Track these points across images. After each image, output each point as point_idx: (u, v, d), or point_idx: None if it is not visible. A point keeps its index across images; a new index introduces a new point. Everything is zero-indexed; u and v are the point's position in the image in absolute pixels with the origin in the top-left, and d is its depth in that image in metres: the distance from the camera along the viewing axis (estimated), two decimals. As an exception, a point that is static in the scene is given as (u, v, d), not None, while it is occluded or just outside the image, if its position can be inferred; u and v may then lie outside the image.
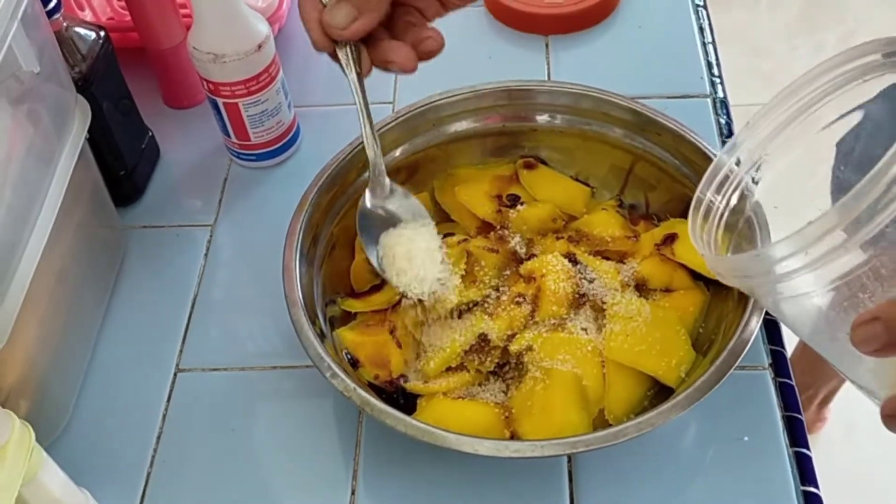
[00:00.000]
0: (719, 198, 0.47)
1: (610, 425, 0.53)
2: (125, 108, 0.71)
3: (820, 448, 1.48)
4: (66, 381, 0.62)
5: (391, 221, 0.60)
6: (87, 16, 0.84)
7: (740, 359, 0.52)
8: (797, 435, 0.57)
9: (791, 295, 0.38)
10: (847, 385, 1.38)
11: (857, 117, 0.43)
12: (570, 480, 0.56)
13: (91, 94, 0.65)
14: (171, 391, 0.62)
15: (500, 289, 0.61)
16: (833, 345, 0.38)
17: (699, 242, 0.46)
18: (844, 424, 1.50)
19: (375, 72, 0.82)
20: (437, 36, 0.51)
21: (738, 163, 0.47)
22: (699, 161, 0.62)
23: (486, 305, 0.60)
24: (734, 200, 0.47)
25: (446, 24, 0.88)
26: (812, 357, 1.30)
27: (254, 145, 0.74)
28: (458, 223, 0.67)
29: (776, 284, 0.37)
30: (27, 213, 0.55)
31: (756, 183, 0.47)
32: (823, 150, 0.46)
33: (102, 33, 0.67)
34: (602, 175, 0.69)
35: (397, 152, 0.67)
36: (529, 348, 0.57)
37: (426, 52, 0.51)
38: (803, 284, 0.36)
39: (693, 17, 0.86)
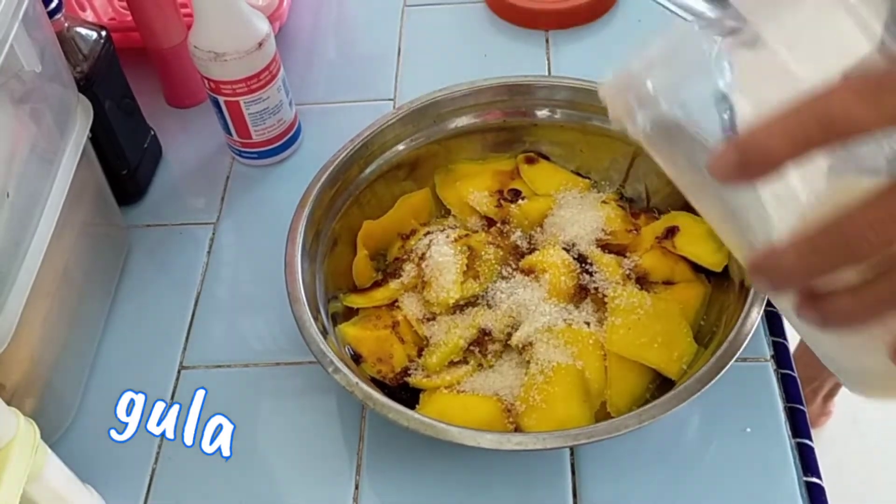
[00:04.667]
0: None
1: (612, 418, 0.53)
2: (127, 108, 0.72)
3: (825, 442, 1.48)
4: (71, 379, 0.62)
5: None
6: (89, 16, 0.84)
7: (741, 350, 0.52)
8: (799, 426, 0.57)
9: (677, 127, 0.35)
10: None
11: None
12: (573, 473, 0.56)
13: (93, 94, 0.65)
14: (175, 388, 0.63)
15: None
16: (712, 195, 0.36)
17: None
18: (850, 418, 1.50)
19: (376, 70, 0.83)
20: None
21: None
22: (699, 154, 0.62)
23: (487, 299, 0.60)
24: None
25: (446, 21, 0.88)
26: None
27: (255, 143, 0.74)
28: (459, 218, 0.67)
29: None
30: (30, 212, 0.56)
31: None
32: None
33: (104, 33, 0.67)
34: (603, 169, 0.69)
35: (398, 148, 0.67)
36: (531, 342, 0.57)
37: None
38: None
39: (693, 10, 0.86)
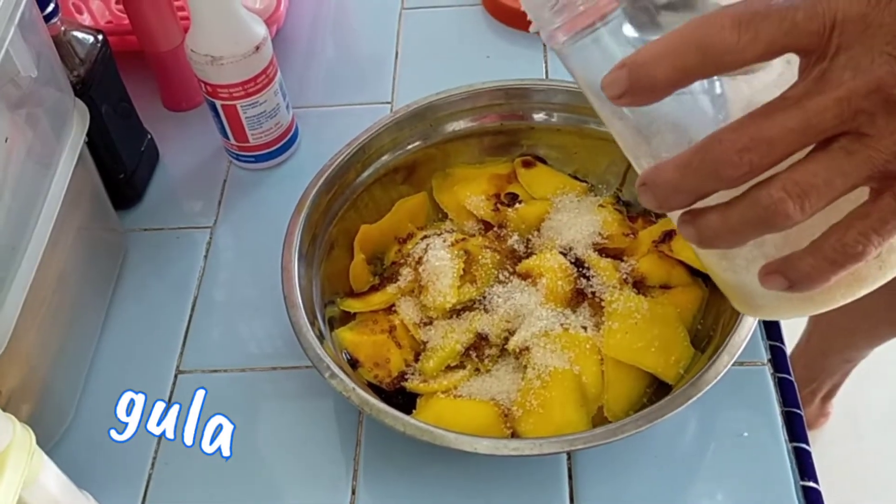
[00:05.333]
0: None
1: (609, 423, 0.53)
2: (124, 112, 0.72)
3: (824, 443, 1.48)
4: (68, 384, 0.62)
5: None
6: (86, 20, 0.84)
7: (738, 354, 0.52)
8: (796, 430, 0.57)
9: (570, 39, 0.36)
10: (850, 380, 1.38)
11: None
12: (570, 478, 0.56)
13: (90, 98, 0.65)
14: (171, 393, 0.63)
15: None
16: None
17: None
18: (849, 419, 1.50)
19: (373, 73, 0.83)
20: None
21: None
22: (696, 158, 0.62)
23: (484, 304, 0.60)
24: None
25: (444, 24, 0.88)
26: (815, 351, 1.30)
27: (252, 147, 0.74)
28: (456, 222, 0.67)
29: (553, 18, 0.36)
30: (26, 216, 0.56)
31: None
32: None
33: (100, 37, 0.67)
34: (600, 172, 0.69)
35: (395, 152, 0.67)
36: (527, 347, 0.57)
37: None
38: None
39: (690, 13, 0.86)
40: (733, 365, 0.51)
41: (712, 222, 0.33)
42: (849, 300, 0.36)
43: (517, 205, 0.66)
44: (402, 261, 0.64)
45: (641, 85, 0.32)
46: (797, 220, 0.31)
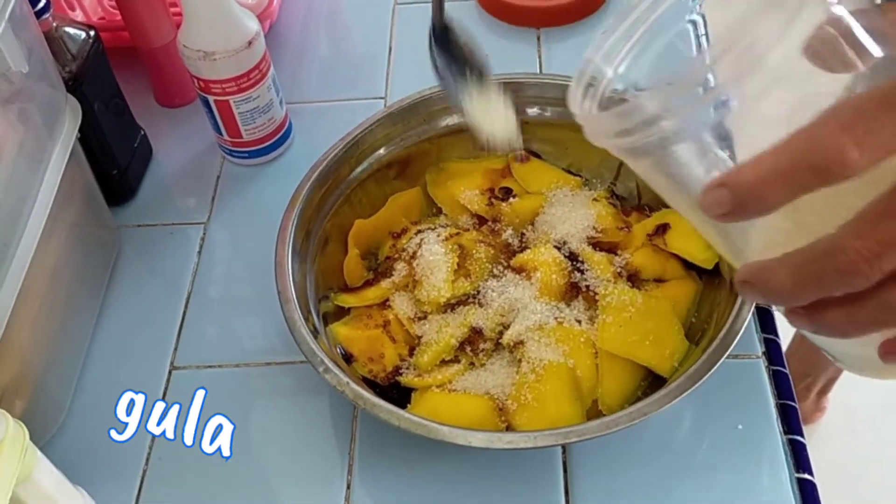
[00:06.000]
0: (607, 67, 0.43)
1: (603, 416, 0.53)
2: (116, 108, 0.71)
3: (820, 439, 1.48)
4: (61, 381, 0.62)
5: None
6: (79, 16, 0.84)
7: (732, 347, 0.52)
8: (791, 422, 0.57)
9: (662, 152, 0.34)
10: (846, 375, 1.39)
11: None
12: (565, 471, 0.56)
13: (82, 94, 0.65)
14: (166, 389, 0.63)
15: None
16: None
17: (577, 104, 0.40)
18: (844, 415, 1.50)
19: (367, 68, 0.83)
20: None
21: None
22: (690, 151, 0.62)
23: (478, 298, 0.60)
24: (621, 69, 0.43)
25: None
26: (810, 346, 1.30)
27: (246, 142, 0.74)
28: (450, 217, 0.67)
29: (649, 135, 0.33)
30: (18, 213, 0.55)
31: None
32: None
33: (92, 33, 0.67)
34: (594, 167, 0.69)
35: (390, 147, 0.67)
36: (522, 341, 0.57)
37: None
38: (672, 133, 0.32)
39: (684, 7, 0.85)
40: (728, 358, 0.52)
41: (836, 320, 0.32)
42: None
43: (511, 199, 0.66)
44: (396, 255, 0.64)
45: (748, 207, 0.30)
46: None
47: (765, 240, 0.34)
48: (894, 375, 0.37)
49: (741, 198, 0.29)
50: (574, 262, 0.61)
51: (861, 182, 0.29)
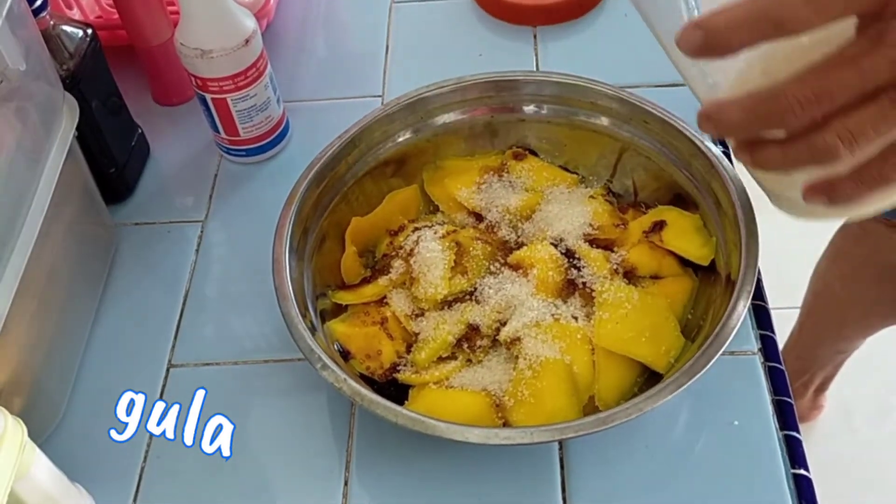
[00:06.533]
0: None
1: (600, 412, 0.53)
2: (114, 106, 0.71)
3: (817, 436, 1.48)
4: (59, 378, 0.62)
5: None
6: (76, 14, 0.84)
7: (728, 343, 0.52)
8: (787, 418, 0.57)
9: None
10: (843, 373, 1.39)
11: None
12: (562, 467, 0.56)
13: (79, 92, 0.65)
14: (163, 386, 0.63)
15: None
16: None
17: None
18: (842, 412, 1.50)
19: (364, 66, 0.83)
20: None
21: None
22: (687, 149, 0.62)
23: (475, 295, 0.60)
24: None
25: (434, 17, 0.88)
26: (807, 343, 1.30)
27: (243, 141, 0.74)
28: (447, 214, 0.68)
29: None
30: (16, 211, 0.56)
31: None
32: None
33: (90, 31, 0.67)
34: (591, 164, 0.69)
35: (386, 144, 0.67)
36: (519, 337, 0.57)
37: None
38: None
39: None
40: (724, 354, 0.52)
41: (770, 154, 0.38)
42: (881, 209, 0.40)
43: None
44: (393, 253, 0.64)
45: (715, 48, 0.36)
46: (846, 161, 0.37)
47: (736, 80, 0.41)
48: (815, 215, 0.44)
49: (712, 39, 0.35)
50: (571, 259, 0.62)
51: (813, 41, 0.36)
